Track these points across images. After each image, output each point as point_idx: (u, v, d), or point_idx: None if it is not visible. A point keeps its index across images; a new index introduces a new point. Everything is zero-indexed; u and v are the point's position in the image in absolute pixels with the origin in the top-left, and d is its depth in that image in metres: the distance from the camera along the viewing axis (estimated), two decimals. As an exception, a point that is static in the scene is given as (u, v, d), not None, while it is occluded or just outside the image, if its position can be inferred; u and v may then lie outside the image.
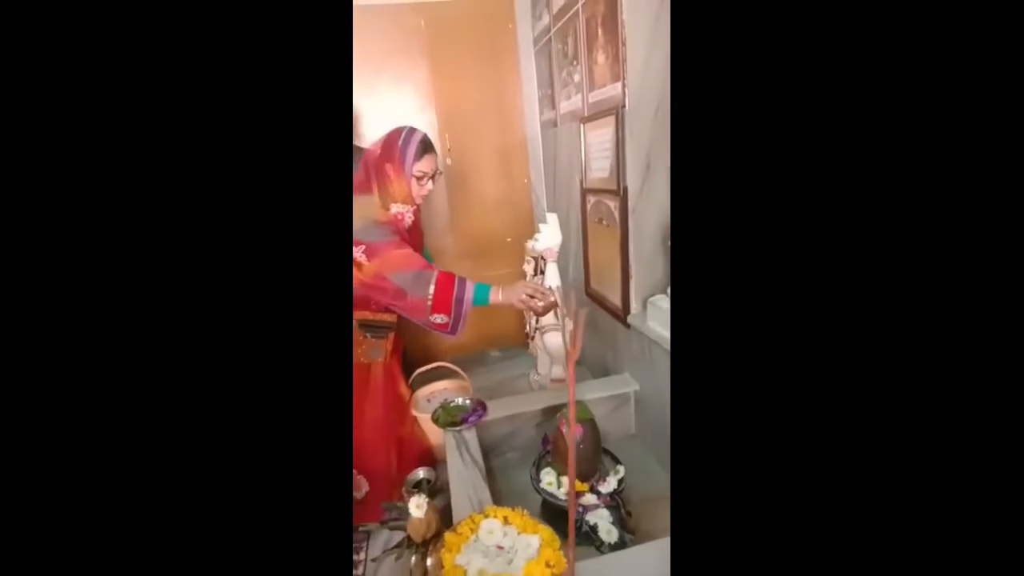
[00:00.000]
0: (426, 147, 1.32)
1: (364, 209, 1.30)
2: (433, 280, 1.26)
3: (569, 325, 0.66)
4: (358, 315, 1.39)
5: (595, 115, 1.54)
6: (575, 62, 1.69)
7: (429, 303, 1.26)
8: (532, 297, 1.29)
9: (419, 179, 1.31)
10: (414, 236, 1.44)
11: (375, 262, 1.27)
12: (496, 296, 1.29)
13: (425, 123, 2.23)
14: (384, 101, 2.17)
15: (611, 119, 1.42)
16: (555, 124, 2.04)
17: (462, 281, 1.29)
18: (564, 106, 1.89)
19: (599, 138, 1.53)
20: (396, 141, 1.30)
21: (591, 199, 1.68)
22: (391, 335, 1.46)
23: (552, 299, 1.30)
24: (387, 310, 1.43)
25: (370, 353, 1.43)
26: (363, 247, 1.27)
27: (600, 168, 1.55)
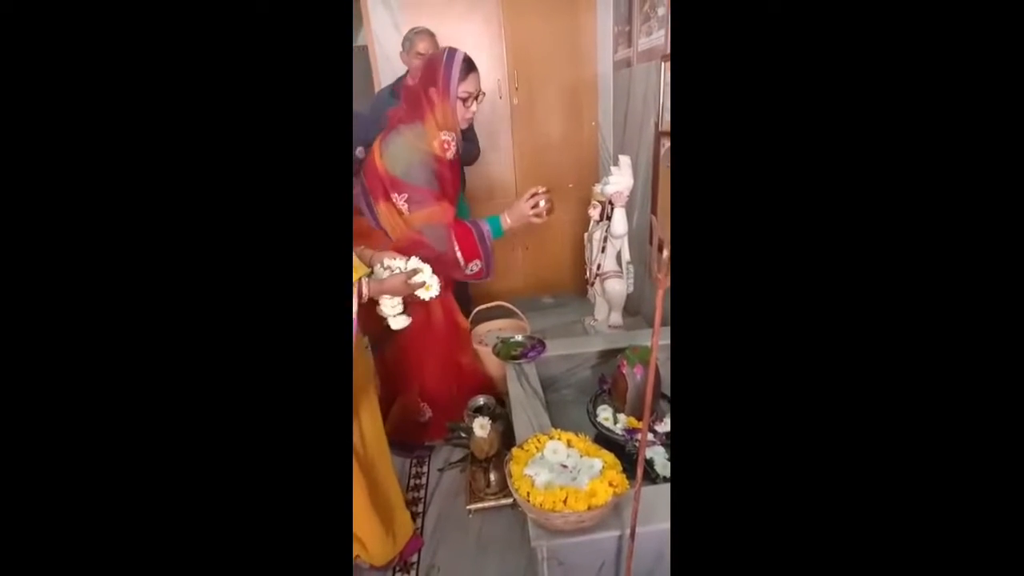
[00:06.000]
0: (470, 66, 1.27)
1: (413, 140, 1.28)
2: (451, 235, 1.28)
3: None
4: None
5: (679, 52, 1.46)
6: (661, -7, 1.58)
7: (458, 254, 1.29)
8: (535, 206, 1.30)
9: (464, 100, 1.27)
10: (454, 172, 1.42)
11: (416, 215, 1.29)
12: (506, 222, 1.31)
13: (495, 58, 2.18)
14: (455, 37, 2.12)
15: (698, 55, 1.34)
16: (630, 63, 1.94)
17: (476, 223, 1.31)
18: (643, 43, 1.79)
19: (682, 77, 1.45)
20: (438, 64, 1.26)
21: (666, 143, 1.62)
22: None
23: (547, 194, 1.29)
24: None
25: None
26: (405, 195, 1.27)
27: (680, 109, 1.48)
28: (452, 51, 1.27)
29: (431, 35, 1.79)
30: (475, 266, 1.32)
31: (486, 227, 1.31)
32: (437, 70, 1.25)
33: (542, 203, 1.29)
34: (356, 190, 1.40)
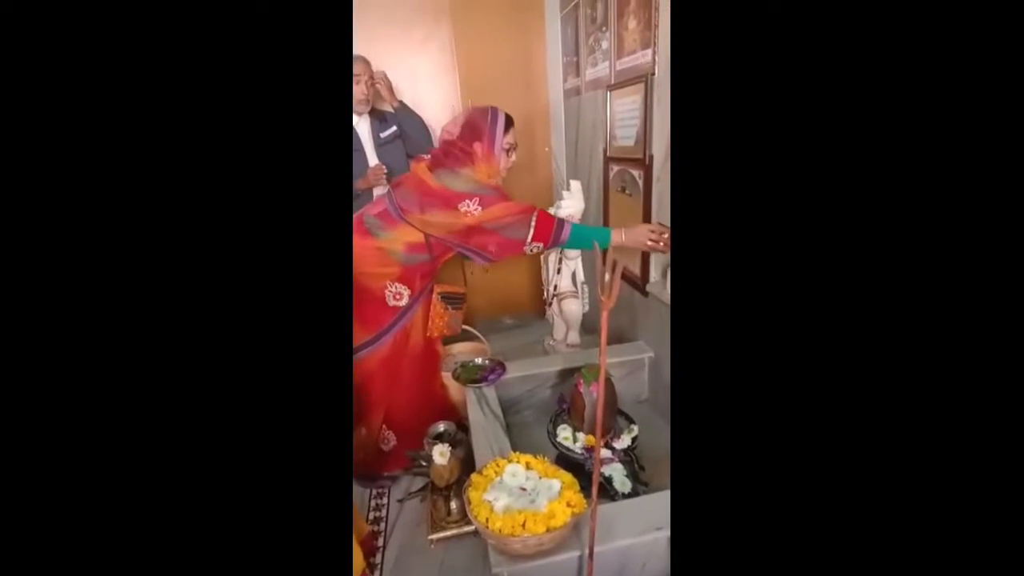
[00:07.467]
0: (509, 121, 1.44)
1: (470, 175, 1.40)
2: (531, 217, 1.37)
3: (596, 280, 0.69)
4: (439, 288, 1.51)
5: (623, 82, 1.54)
6: (604, 28, 1.67)
7: (531, 234, 1.37)
8: (656, 240, 1.35)
9: (507, 151, 1.43)
10: None
11: (488, 211, 1.37)
12: (620, 237, 1.38)
13: (448, 86, 2.23)
14: (410, 66, 2.16)
15: (639, 86, 1.42)
16: (579, 92, 2.02)
17: (561, 220, 1.40)
18: (589, 73, 1.88)
19: (626, 106, 1.53)
20: (483, 121, 1.39)
21: (614, 167, 1.69)
22: (464, 305, 1.60)
23: (667, 235, 1.35)
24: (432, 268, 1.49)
25: (452, 324, 1.56)
26: (477, 199, 1.36)
27: (625, 136, 1.56)
28: (494, 110, 1.42)
29: (366, 61, 1.83)
30: (536, 247, 1.40)
31: (567, 230, 1.39)
32: (481, 127, 1.39)
33: (663, 241, 1.34)
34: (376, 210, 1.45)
